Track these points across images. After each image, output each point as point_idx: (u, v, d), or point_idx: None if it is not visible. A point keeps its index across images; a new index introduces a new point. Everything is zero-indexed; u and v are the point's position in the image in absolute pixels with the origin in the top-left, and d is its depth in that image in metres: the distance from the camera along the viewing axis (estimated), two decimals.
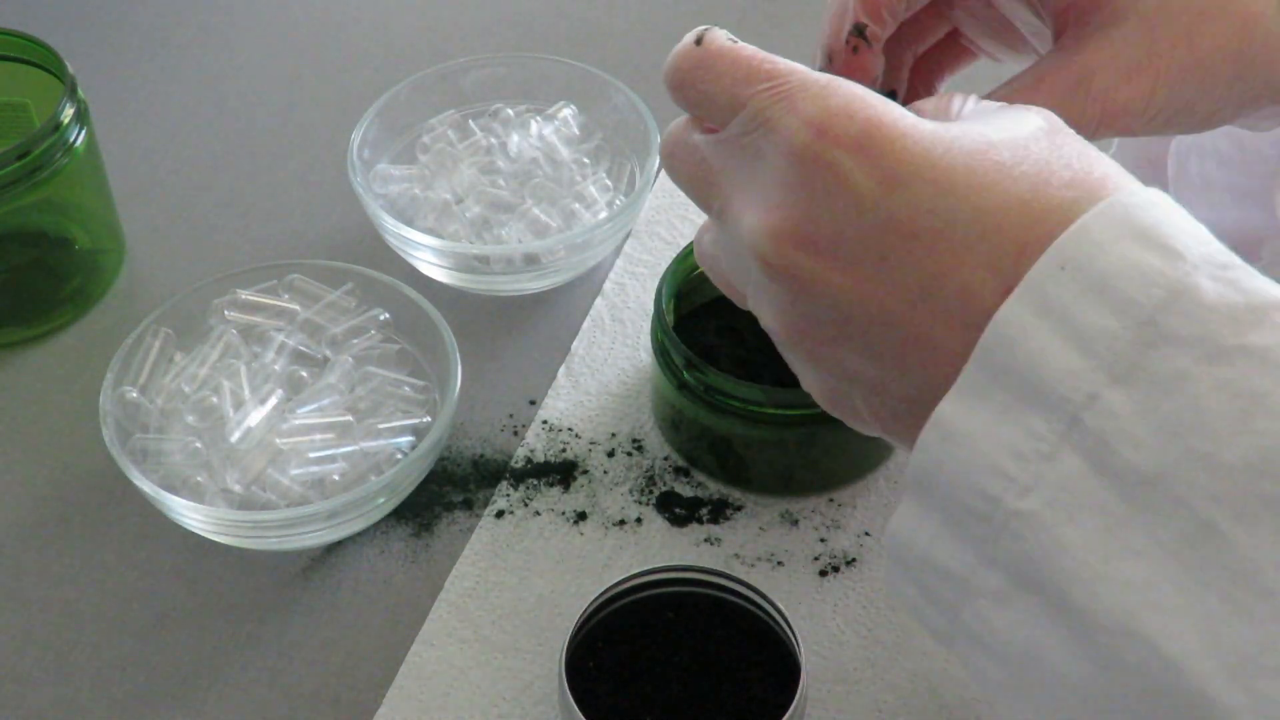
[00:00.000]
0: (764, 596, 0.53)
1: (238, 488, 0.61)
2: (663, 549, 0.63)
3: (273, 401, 0.63)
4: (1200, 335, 0.36)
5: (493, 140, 0.76)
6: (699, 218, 0.62)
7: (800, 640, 0.52)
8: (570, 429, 0.67)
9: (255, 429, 0.62)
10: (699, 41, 0.46)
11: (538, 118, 0.77)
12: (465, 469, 0.66)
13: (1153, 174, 0.66)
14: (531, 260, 0.70)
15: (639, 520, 0.64)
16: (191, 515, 0.59)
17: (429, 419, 0.64)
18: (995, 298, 0.38)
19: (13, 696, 0.59)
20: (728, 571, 0.54)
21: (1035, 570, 0.37)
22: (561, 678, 0.51)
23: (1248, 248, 0.58)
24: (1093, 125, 0.53)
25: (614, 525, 0.63)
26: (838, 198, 0.41)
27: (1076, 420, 0.37)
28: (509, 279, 0.71)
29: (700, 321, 0.66)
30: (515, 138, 0.75)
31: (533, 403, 0.69)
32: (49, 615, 0.61)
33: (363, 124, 0.74)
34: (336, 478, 0.62)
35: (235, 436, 0.62)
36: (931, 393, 0.39)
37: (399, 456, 0.63)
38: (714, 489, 0.65)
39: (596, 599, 0.54)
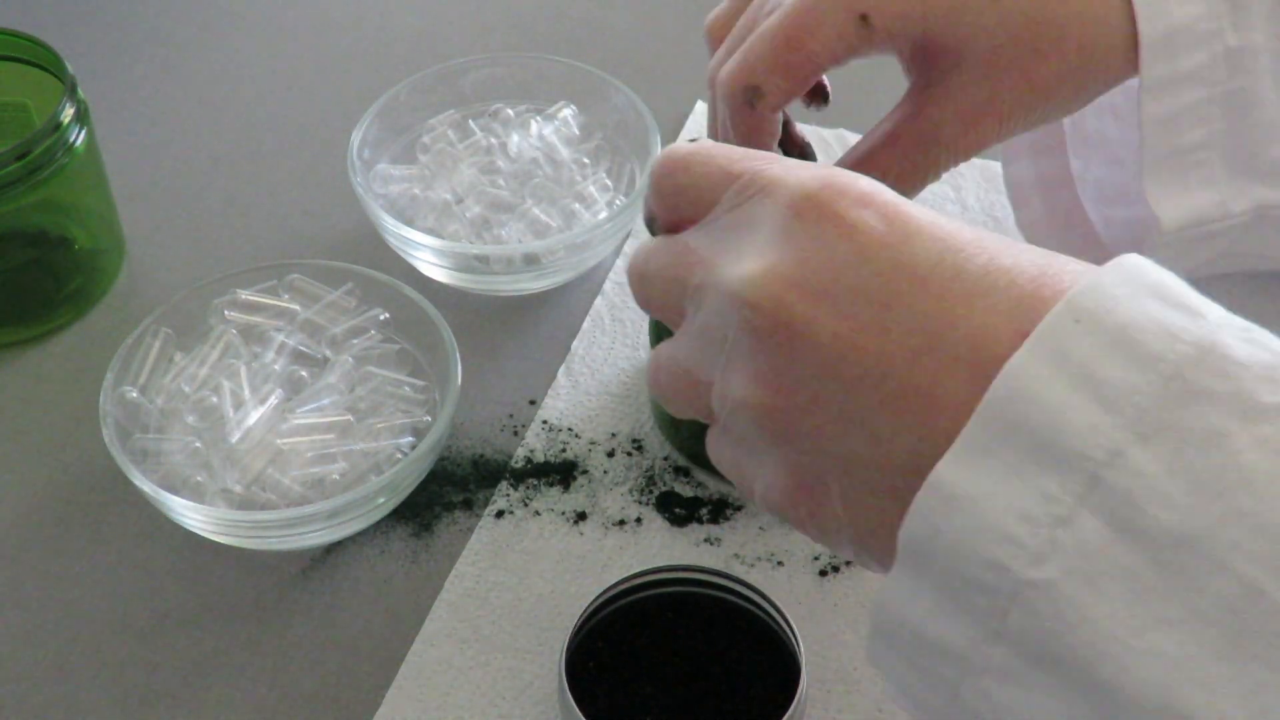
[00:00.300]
0: (764, 596, 0.53)
1: (238, 488, 0.61)
2: (663, 549, 0.63)
3: (273, 401, 0.63)
4: (1234, 392, 0.34)
5: (493, 140, 0.76)
6: None
7: (800, 640, 0.52)
8: (570, 429, 0.67)
9: (255, 429, 0.62)
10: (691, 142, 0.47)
11: (538, 118, 0.77)
12: (465, 469, 0.66)
13: (1047, 130, 0.67)
14: (531, 260, 0.70)
15: (639, 520, 0.64)
16: (191, 515, 0.59)
17: (429, 419, 0.64)
18: (1009, 346, 0.36)
19: (13, 696, 0.59)
20: (728, 571, 0.54)
21: (1052, 645, 0.34)
22: (561, 678, 0.51)
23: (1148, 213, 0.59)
24: (948, 169, 0.55)
25: (614, 525, 0.63)
26: (840, 244, 0.39)
27: (1096, 479, 0.34)
28: (509, 279, 0.71)
29: None
30: (515, 138, 0.76)
31: (533, 402, 0.69)
32: (49, 615, 0.61)
33: (363, 124, 0.74)
34: (336, 478, 0.62)
35: (235, 436, 0.62)
36: (926, 458, 0.36)
37: (399, 456, 0.63)
38: (714, 489, 0.65)
39: (596, 599, 0.54)
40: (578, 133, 0.77)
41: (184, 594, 0.62)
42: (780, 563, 0.62)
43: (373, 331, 0.67)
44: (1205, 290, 0.37)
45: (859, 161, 0.55)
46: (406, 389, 0.66)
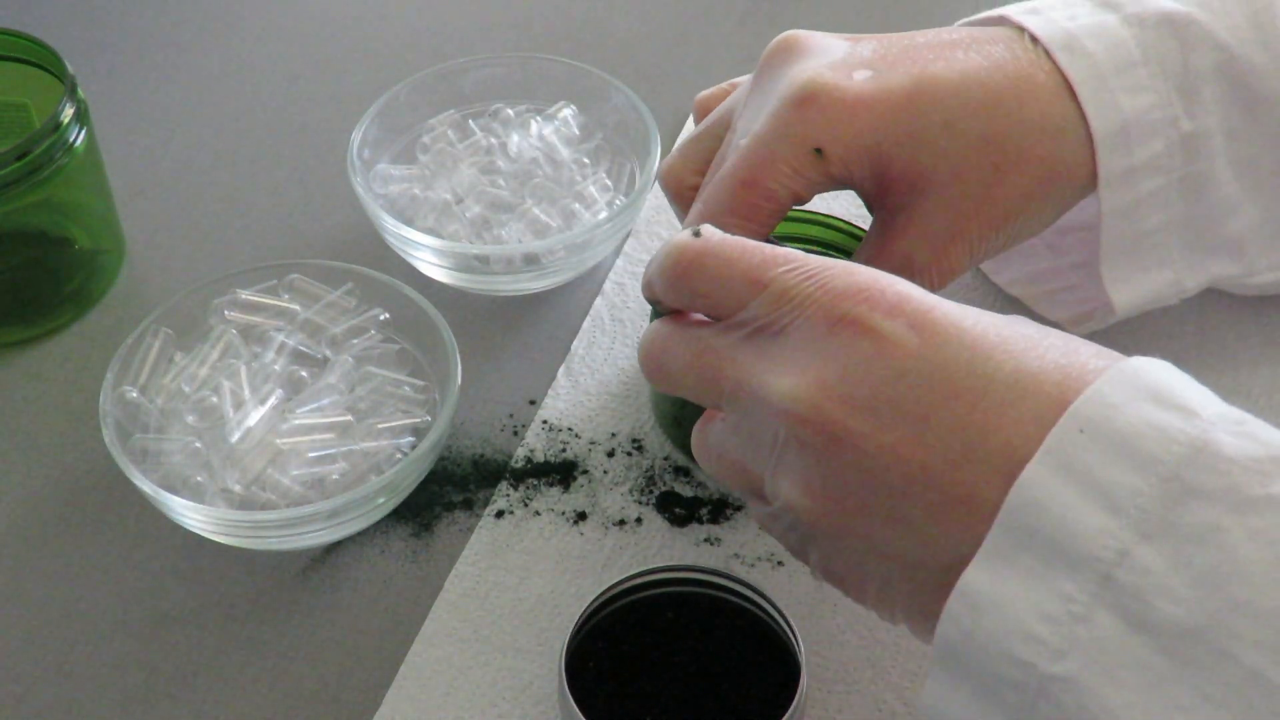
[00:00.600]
0: (764, 596, 0.53)
1: (238, 488, 0.61)
2: (663, 549, 0.63)
3: (272, 401, 0.63)
4: (1226, 487, 0.37)
5: (493, 140, 0.76)
6: None
7: (800, 640, 0.52)
8: (570, 429, 0.67)
9: (255, 429, 0.62)
10: (696, 235, 0.47)
11: (538, 118, 0.77)
12: (465, 469, 0.66)
13: None
14: (531, 260, 0.70)
15: (639, 520, 0.64)
16: (191, 515, 0.59)
17: (429, 419, 0.64)
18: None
19: (13, 696, 0.59)
20: (728, 571, 0.54)
21: None
22: (561, 678, 0.51)
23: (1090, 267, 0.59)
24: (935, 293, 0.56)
25: (614, 525, 0.63)
26: (877, 359, 0.41)
27: (1108, 579, 0.37)
28: (509, 279, 0.71)
29: None
30: (515, 138, 0.76)
31: (533, 402, 0.69)
32: (49, 615, 0.61)
33: (363, 124, 0.74)
34: (336, 478, 0.62)
35: (235, 436, 0.62)
36: (969, 559, 0.39)
37: (399, 456, 0.63)
38: (714, 489, 0.65)
39: (596, 599, 0.54)
40: (578, 133, 0.77)
41: (184, 594, 0.62)
42: (780, 563, 0.62)
43: (373, 331, 0.67)
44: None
45: None
46: (406, 389, 0.66)
